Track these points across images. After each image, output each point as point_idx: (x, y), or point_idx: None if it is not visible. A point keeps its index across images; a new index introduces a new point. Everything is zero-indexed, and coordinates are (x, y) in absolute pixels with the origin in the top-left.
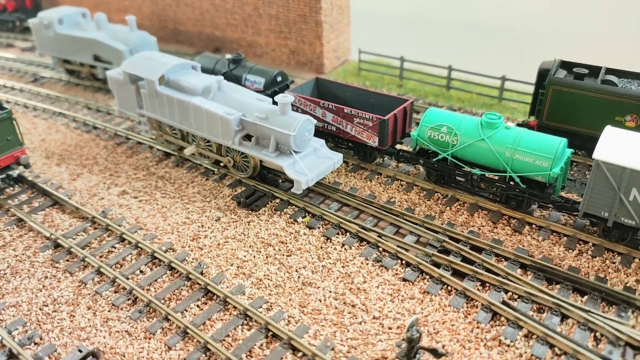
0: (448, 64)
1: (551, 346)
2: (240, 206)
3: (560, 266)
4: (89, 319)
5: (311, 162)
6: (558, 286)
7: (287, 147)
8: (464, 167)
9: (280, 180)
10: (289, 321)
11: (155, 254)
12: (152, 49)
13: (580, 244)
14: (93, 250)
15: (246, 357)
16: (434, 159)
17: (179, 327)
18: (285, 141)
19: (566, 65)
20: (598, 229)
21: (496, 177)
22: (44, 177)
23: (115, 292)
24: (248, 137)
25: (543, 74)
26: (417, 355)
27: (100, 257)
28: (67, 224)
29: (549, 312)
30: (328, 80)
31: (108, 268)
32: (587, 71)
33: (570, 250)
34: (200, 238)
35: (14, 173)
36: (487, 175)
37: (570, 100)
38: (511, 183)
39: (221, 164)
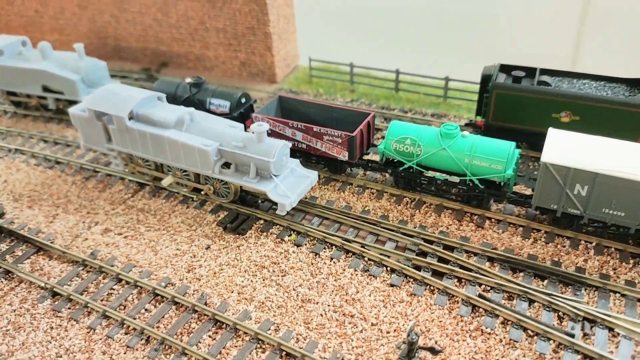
0: (396, 68)
1: (524, 329)
2: (226, 231)
3: (520, 255)
4: None
5: (291, 183)
6: (522, 274)
7: (267, 172)
8: (428, 174)
9: (259, 201)
10: (297, 339)
11: (157, 291)
12: (104, 75)
13: (534, 232)
14: (93, 294)
15: None
16: (401, 168)
17: None
18: (265, 167)
19: (505, 68)
20: (548, 218)
21: (457, 181)
22: (19, 222)
23: (126, 333)
24: (227, 165)
25: (486, 79)
26: (417, 355)
27: (102, 300)
28: (58, 270)
29: (518, 299)
30: (291, 98)
31: (113, 311)
32: (524, 74)
33: (526, 239)
34: (195, 269)
35: None
36: (449, 179)
37: (512, 102)
38: (471, 185)
39: (202, 192)
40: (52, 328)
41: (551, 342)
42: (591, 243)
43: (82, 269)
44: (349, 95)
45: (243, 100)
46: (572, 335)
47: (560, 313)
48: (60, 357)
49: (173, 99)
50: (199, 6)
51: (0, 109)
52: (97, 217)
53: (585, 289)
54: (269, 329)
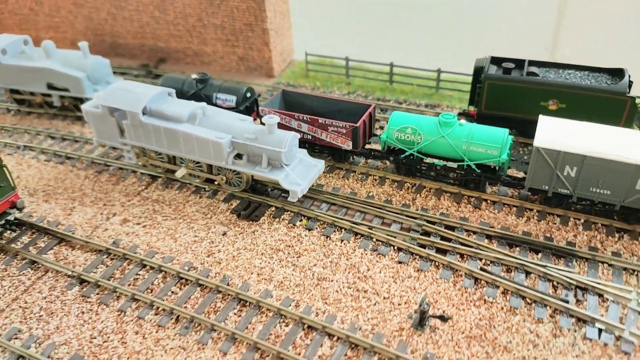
0: (390, 61)
1: (523, 298)
2: (240, 218)
3: (515, 232)
4: (140, 343)
5: (300, 172)
6: (518, 249)
7: (278, 161)
8: (427, 160)
9: (269, 189)
10: (317, 313)
11: (181, 274)
12: (107, 72)
13: (527, 211)
14: (120, 280)
15: (292, 349)
16: (402, 155)
17: (227, 335)
18: (276, 157)
19: (496, 60)
20: (539, 198)
21: (455, 166)
22: (37, 216)
23: (156, 314)
24: (238, 156)
25: (478, 70)
26: (427, 323)
27: (129, 285)
28: (82, 259)
29: (516, 271)
30: (294, 91)
31: (142, 294)
32: (513, 65)
33: (520, 218)
34: (214, 253)
35: (11, 217)
36: (448, 165)
37: (503, 92)
38: (468, 169)
39: (215, 182)
40: (83, 312)
41: (548, 308)
42: (580, 220)
43: (106, 257)
44: (346, 88)
45: (248, 94)
46: (567, 302)
47: (554, 282)
48: (95, 338)
49: (180, 94)
50: (197, 4)
51: (4, 106)
52: (114, 209)
53: (576, 261)
54: (290, 305)
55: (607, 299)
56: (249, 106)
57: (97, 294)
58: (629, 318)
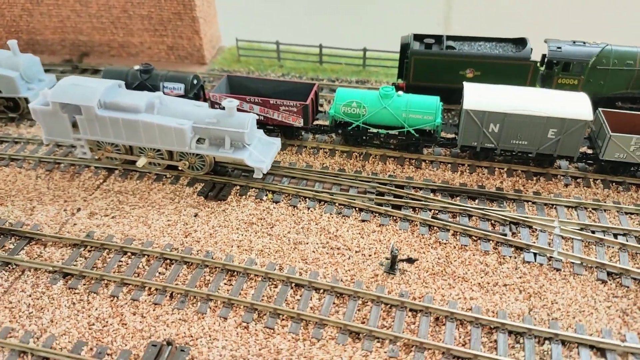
0: (319, 43)
1: (470, 236)
2: (208, 199)
3: (454, 184)
4: (140, 322)
5: (261, 150)
6: (458, 198)
7: (240, 142)
8: (372, 130)
9: (229, 170)
10: (300, 273)
11: (164, 255)
12: (39, 69)
13: (459, 167)
14: (104, 269)
15: (285, 305)
16: (349, 128)
17: (224, 301)
18: (239, 138)
19: (418, 37)
20: (468, 154)
21: (397, 133)
22: None
23: (149, 294)
24: (200, 140)
25: (404, 47)
26: (397, 266)
27: (114, 272)
28: (59, 255)
29: (460, 215)
30: (239, 76)
31: (131, 277)
32: (433, 41)
33: (455, 172)
34: (191, 234)
35: None
36: (390, 133)
37: (427, 64)
38: (408, 135)
39: (178, 168)
40: (74, 303)
41: (491, 242)
42: (503, 169)
43: (84, 250)
44: (279, 70)
45: (195, 81)
46: (505, 235)
47: (492, 221)
48: (93, 324)
49: (125, 86)
50: None
51: None
52: (76, 204)
53: (506, 202)
54: (274, 269)
55: (536, 229)
56: (196, 93)
57: (84, 284)
58: (555, 242)
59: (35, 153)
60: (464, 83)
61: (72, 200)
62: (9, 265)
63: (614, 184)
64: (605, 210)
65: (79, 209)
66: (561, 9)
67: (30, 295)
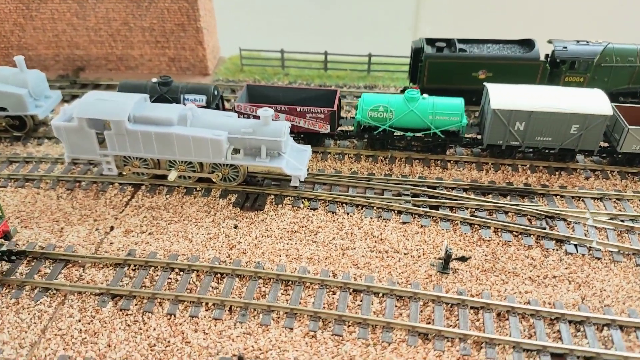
0: (324, 50)
1: (511, 232)
2: (244, 210)
3: (482, 182)
4: (204, 338)
5: (296, 158)
6: (490, 195)
7: (276, 150)
8: (398, 133)
9: (259, 179)
10: (355, 278)
11: (215, 269)
12: (45, 86)
13: (484, 165)
14: (154, 287)
15: (348, 310)
16: (376, 132)
17: (286, 312)
18: (275, 146)
19: (430, 41)
20: (490, 153)
21: (423, 135)
22: (23, 243)
23: (207, 310)
24: (235, 151)
25: (417, 51)
26: (450, 265)
27: (166, 289)
28: (101, 276)
29: (496, 213)
30: (258, 85)
31: (184, 293)
32: (445, 44)
33: (481, 171)
34: (235, 245)
35: (3, 247)
36: (417, 135)
37: (441, 67)
38: (434, 136)
39: (212, 180)
40: (128, 325)
41: (532, 236)
42: (526, 165)
43: (127, 269)
44: (285, 79)
45: (216, 92)
46: (544, 228)
47: (528, 216)
48: (154, 345)
49: None
50: (122, 7)
51: None
52: (108, 223)
53: (536, 197)
54: (329, 276)
55: (570, 222)
56: (217, 104)
57: (136, 304)
58: (591, 232)
59: (51, 172)
60: (486, 84)
61: (102, 219)
62: (49, 291)
63: (629, 174)
64: (628, 200)
65: (112, 228)
66: (547, 9)
67: (79, 321)
